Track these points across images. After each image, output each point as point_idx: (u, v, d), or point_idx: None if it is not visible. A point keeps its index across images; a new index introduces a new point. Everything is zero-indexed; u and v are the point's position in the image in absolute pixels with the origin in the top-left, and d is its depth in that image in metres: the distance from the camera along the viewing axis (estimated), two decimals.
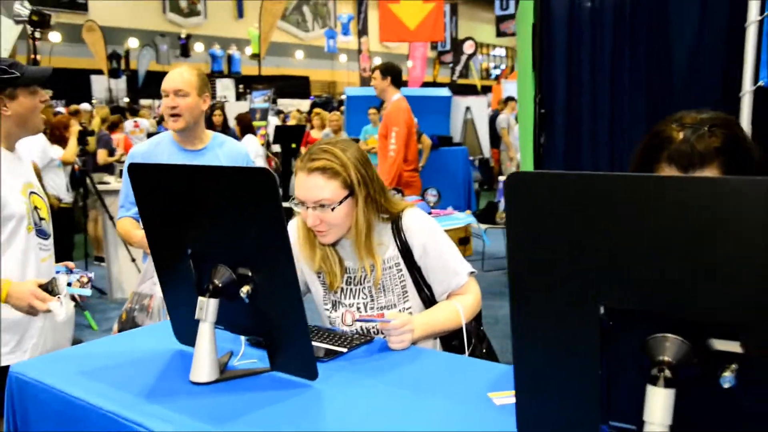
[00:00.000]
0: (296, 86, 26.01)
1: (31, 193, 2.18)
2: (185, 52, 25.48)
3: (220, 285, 1.41)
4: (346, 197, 1.71)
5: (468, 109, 10.57)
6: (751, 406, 0.92)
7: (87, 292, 1.95)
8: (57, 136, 5.50)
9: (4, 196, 2.03)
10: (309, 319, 1.81)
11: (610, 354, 0.99)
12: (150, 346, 1.67)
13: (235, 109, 10.02)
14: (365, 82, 22.01)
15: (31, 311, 1.89)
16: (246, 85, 21.12)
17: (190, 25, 28.24)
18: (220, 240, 1.42)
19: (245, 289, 1.38)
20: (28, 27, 5.75)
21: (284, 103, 22.14)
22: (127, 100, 19.19)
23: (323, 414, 1.30)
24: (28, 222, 2.10)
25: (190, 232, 1.47)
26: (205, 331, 1.42)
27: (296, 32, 33.51)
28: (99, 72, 20.30)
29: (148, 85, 21.94)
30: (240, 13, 28.98)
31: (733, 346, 0.90)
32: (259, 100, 9.98)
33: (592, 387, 1.01)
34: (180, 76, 2.63)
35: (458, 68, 22.68)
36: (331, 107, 15.20)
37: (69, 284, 1.93)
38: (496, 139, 10.96)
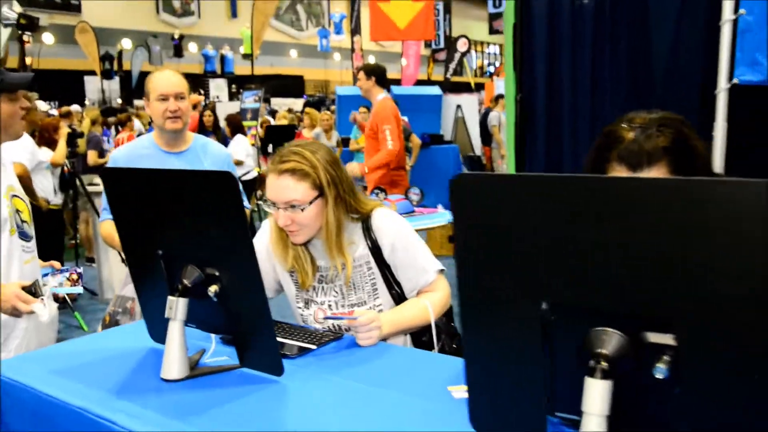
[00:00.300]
0: (290, 85, 26.01)
1: (13, 196, 2.21)
2: (178, 52, 25.45)
3: (189, 285, 1.44)
4: (315, 198, 1.75)
5: (459, 107, 10.60)
6: (683, 395, 0.95)
7: (78, 289, 1.99)
8: (46, 139, 5.52)
9: None
10: (283, 317, 1.86)
11: (554, 348, 1.03)
12: (126, 345, 1.70)
13: (227, 109, 10.05)
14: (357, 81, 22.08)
15: (15, 313, 1.92)
16: (239, 85, 21.13)
17: (184, 25, 28.21)
18: (188, 241, 1.46)
19: (213, 289, 1.42)
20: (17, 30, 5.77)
21: (278, 103, 22.16)
22: (120, 101, 19.20)
23: (287, 409, 1.34)
24: (11, 225, 2.14)
25: (159, 234, 1.50)
26: (174, 330, 1.45)
27: (290, 31, 33.50)
28: (92, 73, 20.30)
29: (142, 86, 21.93)
30: (234, 13, 28.98)
31: (666, 339, 0.94)
32: (249, 100, 10.01)
33: (537, 380, 1.05)
34: (177, 79, 2.68)
35: (452, 66, 22.69)
36: (325, 106, 15.25)
37: (60, 284, 1.97)
38: (487, 136, 11.00)
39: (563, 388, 1.05)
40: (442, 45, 24.20)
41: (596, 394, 0.95)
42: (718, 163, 3.10)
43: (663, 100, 3.47)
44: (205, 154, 2.75)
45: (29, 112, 4.92)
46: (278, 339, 1.67)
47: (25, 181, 4.49)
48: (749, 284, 0.86)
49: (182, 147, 2.73)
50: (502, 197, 1.01)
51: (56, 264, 2.18)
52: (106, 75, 20.27)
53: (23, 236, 2.20)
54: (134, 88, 21.67)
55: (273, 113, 14.58)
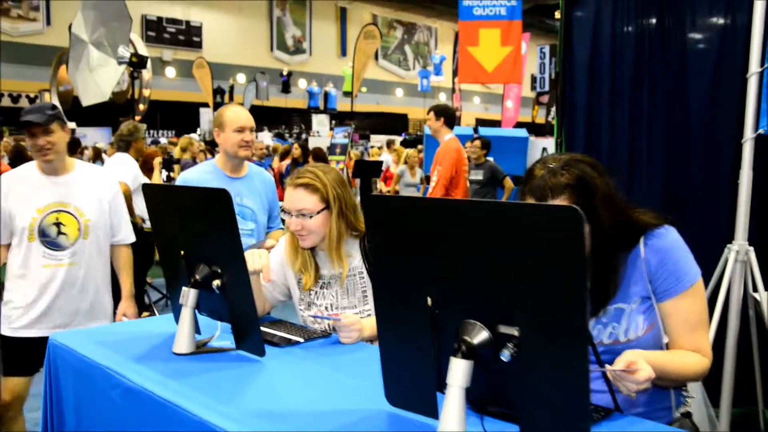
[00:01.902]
0: (393, 123, 26.75)
1: (59, 211, 2.70)
2: (286, 88, 26.69)
3: (199, 278, 1.81)
4: (322, 209, 2.09)
5: (545, 149, 10.74)
6: (523, 374, 1.21)
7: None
8: (148, 167, 6.16)
9: (10, 212, 2.65)
10: (288, 319, 2.20)
11: (439, 336, 1.30)
12: (152, 329, 2.09)
13: (321, 143, 10.62)
14: (456, 121, 22.42)
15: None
16: (340, 121, 22.02)
17: (295, 62, 29.62)
18: (201, 244, 1.83)
19: (216, 283, 1.78)
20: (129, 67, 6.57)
21: (380, 139, 22.85)
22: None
23: (258, 380, 1.67)
24: (29, 233, 2.65)
25: (181, 239, 1.88)
26: (185, 314, 1.82)
27: (397, 70, 34.39)
28: (206, 105, 21.73)
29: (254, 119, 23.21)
30: (343, 52, 30.19)
31: (512, 330, 1.20)
32: (339, 135, 10.58)
33: (428, 361, 1.32)
34: (249, 115, 3.16)
35: (553, 109, 22.64)
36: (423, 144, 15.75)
37: None
38: None
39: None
40: (546, 88, 24.20)
41: (458, 370, 1.22)
42: (742, 209, 3.21)
43: (700, 145, 3.61)
44: (260, 180, 3.18)
45: (137, 142, 5.55)
46: (274, 332, 2.02)
47: (127, 199, 5.10)
48: (568, 290, 1.12)
49: (242, 173, 3.16)
50: (400, 216, 1.31)
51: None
52: (217, 107, 21.62)
53: (52, 245, 2.70)
54: None
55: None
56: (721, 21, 3.56)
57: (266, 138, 18.49)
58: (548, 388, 1.19)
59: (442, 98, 32.42)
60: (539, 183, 1.56)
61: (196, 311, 1.87)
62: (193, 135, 18.53)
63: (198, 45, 26.16)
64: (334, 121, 21.67)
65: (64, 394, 1.94)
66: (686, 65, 3.64)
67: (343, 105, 26.70)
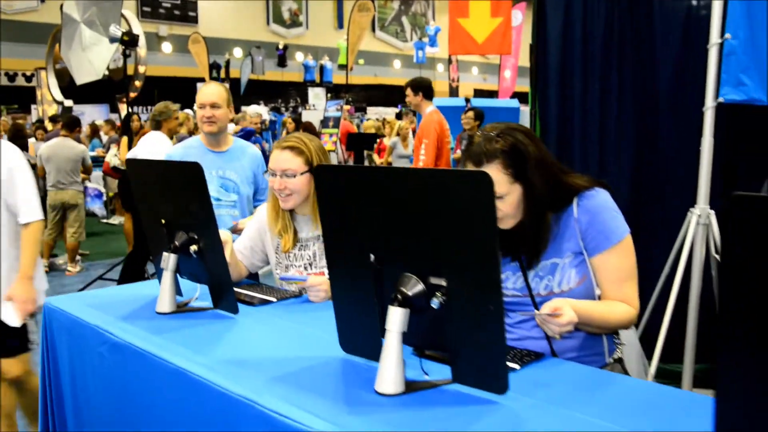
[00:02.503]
0: (391, 95, 26.75)
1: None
2: (282, 62, 26.63)
3: (178, 244, 1.98)
4: (305, 171, 2.27)
5: None
6: (452, 320, 1.39)
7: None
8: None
9: None
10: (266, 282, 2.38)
11: (381, 288, 1.46)
12: (139, 292, 2.30)
13: (314, 116, 10.75)
14: (453, 92, 22.46)
15: None
16: (335, 93, 22.12)
17: (292, 35, 29.49)
18: (179, 213, 2.00)
19: (193, 248, 1.95)
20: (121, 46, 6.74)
21: (378, 111, 22.91)
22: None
23: (230, 334, 1.87)
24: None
25: (162, 209, 2.06)
26: (166, 277, 2.00)
27: (394, 42, 34.20)
28: (203, 80, 21.74)
29: (249, 93, 23.30)
30: (340, 24, 30.01)
31: (441, 281, 1.38)
32: (332, 109, 10.70)
33: (373, 311, 1.49)
34: (214, 90, 3.28)
35: None
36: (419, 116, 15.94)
37: None
38: None
39: None
40: None
41: (395, 317, 1.39)
42: (704, 176, 3.37)
43: (668, 112, 3.77)
44: (243, 155, 3.34)
45: (168, 121, 5.66)
46: (249, 293, 2.20)
47: None
48: (483, 245, 1.29)
49: (224, 147, 3.33)
50: (347, 183, 1.48)
51: None
52: None
53: None
54: (242, 95, 22.98)
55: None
56: None
57: (264, 112, 18.58)
58: (472, 332, 1.37)
59: (440, 69, 32.35)
60: (476, 149, 1.72)
61: (178, 275, 2.06)
62: (188, 110, 18.59)
63: (194, 20, 26.05)
64: (330, 94, 21.74)
65: (59, 352, 2.14)
66: (654, 36, 3.78)
67: (339, 78, 26.71)
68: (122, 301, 2.18)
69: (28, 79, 21.32)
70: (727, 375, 0.95)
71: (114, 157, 7.66)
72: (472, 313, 1.35)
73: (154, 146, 5.46)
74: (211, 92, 3.25)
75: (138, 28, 13.94)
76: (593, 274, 1.81)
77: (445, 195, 1.30)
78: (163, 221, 2.05)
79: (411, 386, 1.44)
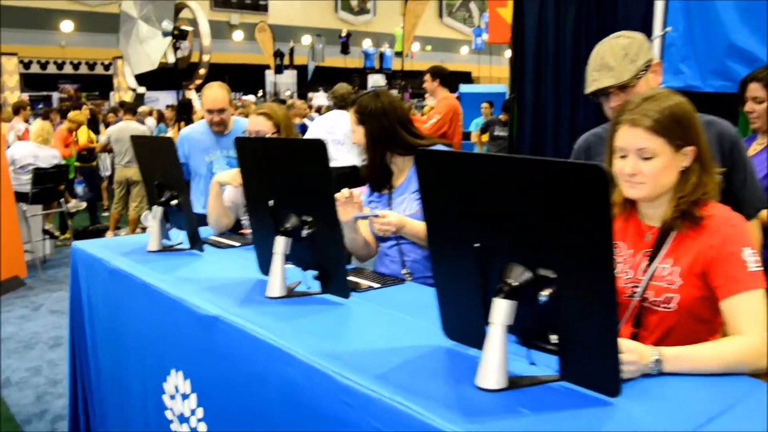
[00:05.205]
0: (456, 81, 26.44)
1: None
2: (345, 49, 26.64)
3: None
4: (273, 133, 2.86)
5: None
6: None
7: None
8: None
9: None
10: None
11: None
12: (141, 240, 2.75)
13: None
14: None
15: None
16: (394, 80, 22.43)
17: (360, 23, 29.54)
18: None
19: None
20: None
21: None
22: (288, 92, 20.73)
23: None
24: None
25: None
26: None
27: (462, 28, 33.88)
28: (269, 68, 22.02)
29: (315, 80, 23.47)
30: None
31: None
32: None
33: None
34: (218, 95, 3.68)
35: None
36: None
37: None
38: None
39: None
40: None
41: (499, 309, 1.32)
42: None
43: None
44: (242, 134, 3.47)
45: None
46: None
47: None
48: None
49: (225, 131, 3.79)
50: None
51: None
52: (278, 70, 21.89)
53: None
54: (309, 81, 23.17)
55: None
56: None
57: (322, 99, 18.68)
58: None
59: (508, 54, 31.77)
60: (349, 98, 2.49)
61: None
62: (250, 97, 18.89)
63: (264, 8, 26.38)
64: (389, 80, 21.87)
65: (82, 282, 2.71)
66: (617, 29, 3.95)
67: (406, 65, 26.59)
68: (127, 243, 2.75)
69: (107, 67, 21.99)
70: None
71: None
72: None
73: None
74: (216, 99, 3.66)
75: (203, 19, 14.22)
76: None
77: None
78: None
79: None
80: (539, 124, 4.64)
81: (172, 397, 2.08)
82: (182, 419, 2.04)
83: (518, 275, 1.31)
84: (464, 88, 14.31)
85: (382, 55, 26.87)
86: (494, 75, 29.16)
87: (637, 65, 2.05)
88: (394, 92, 11.95)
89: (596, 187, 1.15)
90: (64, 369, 3.58)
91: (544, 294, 1.29)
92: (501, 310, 1.31)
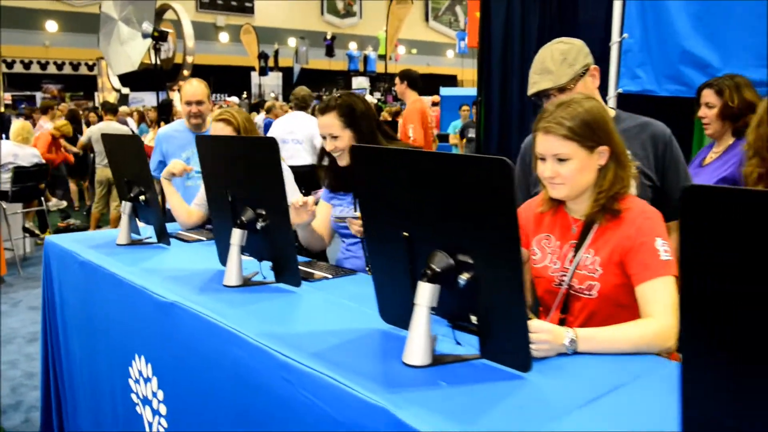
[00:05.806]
0: (441, 84, 26.64)
1: None
2: (329, 51, 26.75)
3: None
4: None
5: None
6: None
7: None
8: None
9: None
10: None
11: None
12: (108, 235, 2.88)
13: None
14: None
15: None
16: (375, 82, 22.64)
17: (346, 25, 29.62)
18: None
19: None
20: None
21: (427, 100, 22.91)
22: (273, 94, 20.84)
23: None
24: None
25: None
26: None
27: (447, 31, 34.01)
28: (254, 69, 22.08)
29: (300, 82, 23.53)
30: None
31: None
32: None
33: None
34: (197, 89, 3.78)
35: None
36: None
37: None
38: None
39: None
40: None
41: (424, 292, 1.46)
42: None
43: None
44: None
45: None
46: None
47: None
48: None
49: (203, 129, 3.85)
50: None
51: None
52: (262, 72, 21.96)
53: None
54: (294, 83, 23.26)
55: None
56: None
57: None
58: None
59: None
60: (322, 104, 2.49)
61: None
62: (234, 98, 18.95)
63: (250, 10, 26.41)
64: (375, 83, 22.04)
65: (54, 275, 2.84)
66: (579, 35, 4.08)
67: (390, 67, 26.70)
68: (94, 238, 2.89)
69: (91, 68, 21.97)
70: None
71: (151, 141, 8.08)
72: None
73: None
74: (195, 91, 3.75)
75: (187, 20, 14.29)
76: None
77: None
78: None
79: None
80: (505, 126, 4.82)
81: (137, 381, 2.20)
82: (145, 402, 2.16)
83: (440, 261, 1.45)
84: (444, 91, 14.73)
85: (366, 58, 27.01)
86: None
87: (575, 69, 2.20)
88: (377, 95, 12.07)
89: (501, 179, 1.29)
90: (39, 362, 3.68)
91: (463, 278, 1.42)
92: (425, 293, 1.44)
